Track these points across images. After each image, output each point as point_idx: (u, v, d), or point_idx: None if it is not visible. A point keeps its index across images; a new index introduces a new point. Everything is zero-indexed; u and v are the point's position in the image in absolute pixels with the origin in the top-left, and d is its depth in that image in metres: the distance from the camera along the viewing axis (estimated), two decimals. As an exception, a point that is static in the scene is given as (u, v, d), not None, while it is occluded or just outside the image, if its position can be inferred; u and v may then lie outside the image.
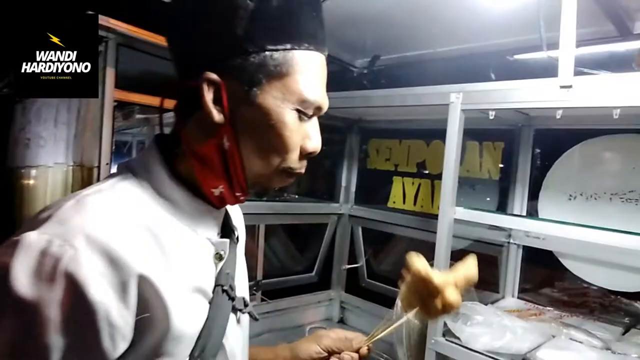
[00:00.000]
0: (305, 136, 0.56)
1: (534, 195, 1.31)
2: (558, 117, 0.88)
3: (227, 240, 0.59)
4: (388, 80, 1.34)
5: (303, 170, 0.57)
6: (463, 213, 1.03)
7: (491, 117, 1.00)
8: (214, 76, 0.51)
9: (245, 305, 0.62)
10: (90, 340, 0.45)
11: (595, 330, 1.05)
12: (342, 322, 1.85)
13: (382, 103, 1.27)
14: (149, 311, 0.48)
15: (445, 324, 1.06)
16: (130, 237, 0.48)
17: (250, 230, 1.76)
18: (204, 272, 0.56)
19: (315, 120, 0.57)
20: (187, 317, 0.52)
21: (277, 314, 1.68)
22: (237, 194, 0.56)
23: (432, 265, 1.01)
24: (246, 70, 0.52)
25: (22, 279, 0.43)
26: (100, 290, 0.44)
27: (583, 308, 1.19)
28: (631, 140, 1.11)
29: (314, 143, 0.56)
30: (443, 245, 1.07)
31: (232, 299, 0.59)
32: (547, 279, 1.33)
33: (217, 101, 0.52)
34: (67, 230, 0.45)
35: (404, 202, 1.67)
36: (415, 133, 1.64)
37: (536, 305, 1.22)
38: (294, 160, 0.55)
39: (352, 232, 1.86)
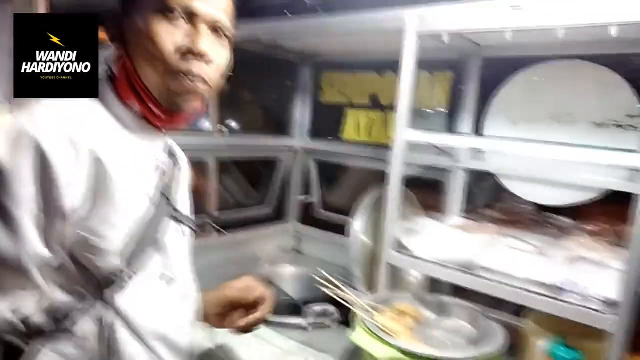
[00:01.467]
0: (186, 37, 0.64)
1: (480, 124, 1.38)
2: (509, 38, 0.93)
3: (167, 158, 0.74)
4: (342, 7, 1.32)
5: (199, 72, 0.66)
6: (417, 135, 1.08)
7: (445, 41, 1.03)
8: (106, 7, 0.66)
9: (187, 219, 0.77)
10: (53, 193, 0.58)
11: (530, 240, 1.17)
12: (297, 251, 1.92)
13: (336, 29, 1.26)
14: (98, 181, 0.61)
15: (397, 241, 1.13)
16: (85, 123, 0.62)
17: (203, 165, 1.75)
18: (147, 177, 0.70)
19: (199, 26, 0.65)
20: (129, 200, 0.65)
21: (234, 245, 1.71)
22: (152, 107, 0.67)
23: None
24: None
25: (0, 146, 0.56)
26: (60, 156, 0.58)
27: (519, 224, 1.31)
28: (570, 66, 1.19)
29: (195, 43, 0.64)
30: (397, 170, 1.12)
31: (171, 206, 0.73)
32: (489, 199, 1.44)
33: (112, 28, 0.67)
34: (33, 114, 0.59)
35: (357, 135, 1.71)
36: (369, 65, 1.65)
37: (479, 223, 1.32)
38: (175, 60, 0.64)
39: (307, 166, 1.89)
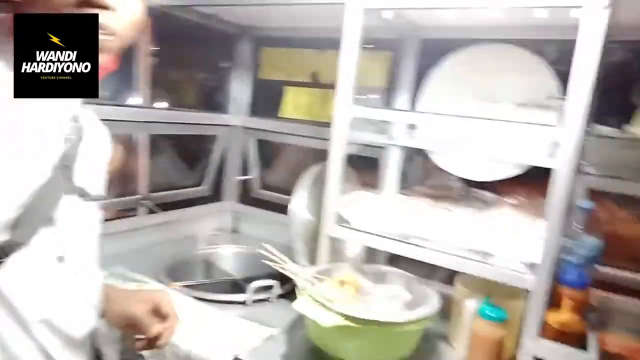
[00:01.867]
0: None
1: (414, 104, 1.44)
2: (450, 16, 0.97)
3: (79, 126, 0.69)
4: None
5: (101, 23, 0.61)
6: (359, 110, 1.11)
7: (388, 18, 1.06)
8: None
9: (93, 197, 0.71)
10: None
11: (459, 212, 1.24)
12: (236, 231, 1.90)
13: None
14: None
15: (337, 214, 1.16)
16: None
17: (132, 141, 1.68)
18: (47, 146, 0.64)
19: None
20: (21, 167, 0.60)
21: (169, 225, 1.66)
22: None
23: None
24: None
25: None
26: None
27: (449, 198, 1.39)
28: (498, 49, 1.27)
29: None
30: (338, 146, 1.13)
31: (73, 180, 0.67)
32: (421, 176, 1.52)
33: None
34: None
35: (297, 113, 1.71)
36: (310, 42, 1.65)
37: (413, 197, 1.38)
38: (72, 10, 0.60)
39: (245, 144, 1.87)
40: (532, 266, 0.93)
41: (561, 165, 0.88)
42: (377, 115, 1.20)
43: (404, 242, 1.05)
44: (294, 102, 1.71)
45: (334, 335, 0.92)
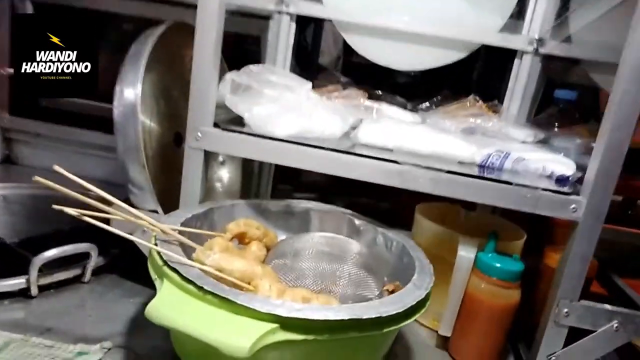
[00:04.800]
0: None
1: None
2: None
3: None
4: None
5: None
6: None
7: None
8: None
9: None
10: None
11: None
12: (9, 161, 1.16)
13: None
14: None
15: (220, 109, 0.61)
16: None
17: None
18: None
19: None
20: None
21: None
22: None
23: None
24: None
25: None
26: None
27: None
28: None
29: None
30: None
31: None
32: (328, 58, 1.04)
33: None
34: None
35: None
36: None
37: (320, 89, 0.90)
38: None
39: (19, 11, 1.09)
40: (564, 181, 0.57)
41: None
42: None
43: (349, 153, 0.57)
44: None
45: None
